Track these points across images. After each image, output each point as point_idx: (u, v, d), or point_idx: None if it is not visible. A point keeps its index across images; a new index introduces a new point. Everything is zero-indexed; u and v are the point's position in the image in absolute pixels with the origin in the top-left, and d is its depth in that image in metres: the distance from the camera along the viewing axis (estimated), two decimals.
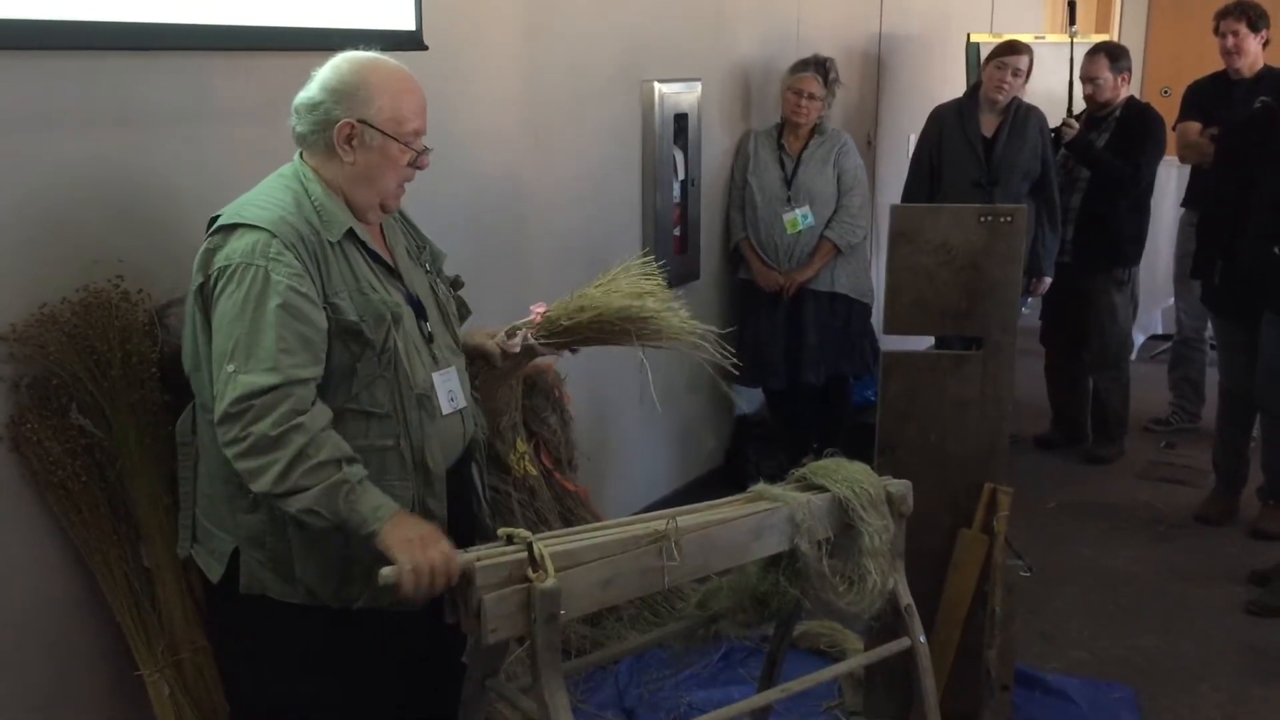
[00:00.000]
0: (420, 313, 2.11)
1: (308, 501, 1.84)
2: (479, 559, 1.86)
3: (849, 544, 2.24)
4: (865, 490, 2.24)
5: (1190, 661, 3.45)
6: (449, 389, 2.12)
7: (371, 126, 1.98)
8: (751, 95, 4.71)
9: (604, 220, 3.88)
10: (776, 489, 2.24)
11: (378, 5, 2.75)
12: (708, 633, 2.48)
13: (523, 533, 1.93)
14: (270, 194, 1.99)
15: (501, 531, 1.96)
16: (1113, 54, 4.89)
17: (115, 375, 2.21)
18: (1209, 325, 5.06)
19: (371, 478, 1.94)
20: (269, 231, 1.90)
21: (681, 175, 4.23)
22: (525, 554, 1.89)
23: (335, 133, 1.98)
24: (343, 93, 1.98)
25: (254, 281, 1.86)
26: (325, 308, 1.93)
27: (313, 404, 1.88)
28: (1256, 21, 4.77)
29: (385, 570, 1.82)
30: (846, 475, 2.27)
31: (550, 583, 1.86)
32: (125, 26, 2.20)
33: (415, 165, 2.06)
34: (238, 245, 1.90)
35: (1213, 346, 5.07)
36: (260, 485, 1.86)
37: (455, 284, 2.36)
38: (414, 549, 1.82)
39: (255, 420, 1.82)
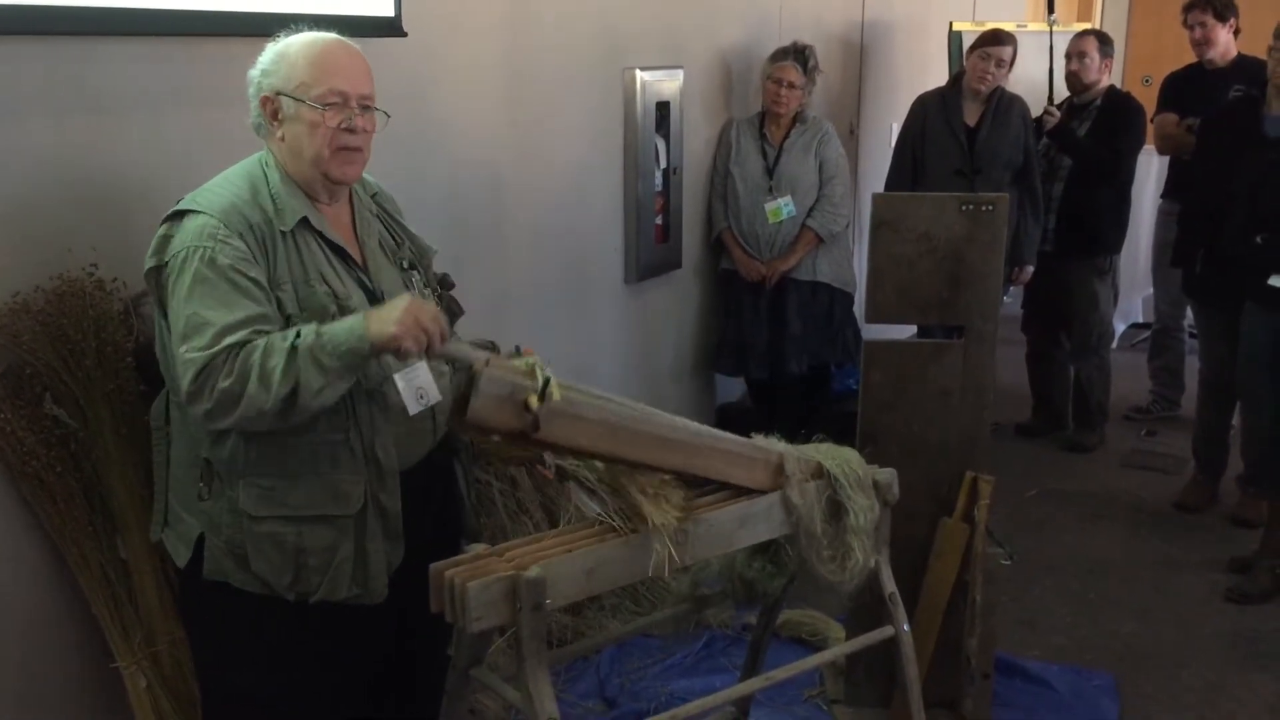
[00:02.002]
0: None
1: (309, 387, 1.82)
2: (489, 362, 1.82)
3: (835, 522, 2.26)
4: (854, 470, 2.26)
5: (1170, 648, 3.47)
6: (417, 385, 2.09)
7: (286, 95, 1.98)
8: (734, 83, 4.69)
9: (585, 209, 3.86)
10: (772, 439, 2.25)
11: None
12: (693, 619, 2.48)
13: (532, 359, 1.90)
14: (228, 180, 2.00)
15: (516, 348, 1.96)
16: (1102, 37, 4.92)
17: (90, 365, 2.18)
18: (1187, 314, 5.08)
19: (322, 471, 1.96)
20: (216, 218, 1.91)
21: (663, 164, 4.22)
22: (531, 375, 1.86)
23: (263, 111, 2.01)
24: (265, 70, 2.01)
25: (200, 262, 1.87)
26: (271, 295, 1.93)
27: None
28: (1223, 11, 4.79)
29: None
30: (836, 455, 2.29)
31: (535, 571, 1.85)
32: (100, 11, 2.17)
33: (348, 129, 2.00)
34: (188, 230, 1.91)
35: (1192, 335, 5.10)
36: (263, 421, 1.85)
37: (444, 283, 2.32)
38: (399, 321, 1.83)
39: (215, 384, 1.82)
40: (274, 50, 2.02)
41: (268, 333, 1.87)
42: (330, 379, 1.84)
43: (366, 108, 2.03)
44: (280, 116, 2.00)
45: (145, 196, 2.32)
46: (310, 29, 2.05)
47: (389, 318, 1.84)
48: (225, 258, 1.88)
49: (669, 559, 2.00)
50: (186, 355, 1.84)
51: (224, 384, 1.82)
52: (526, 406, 1.82)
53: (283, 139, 2.01)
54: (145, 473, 2.21)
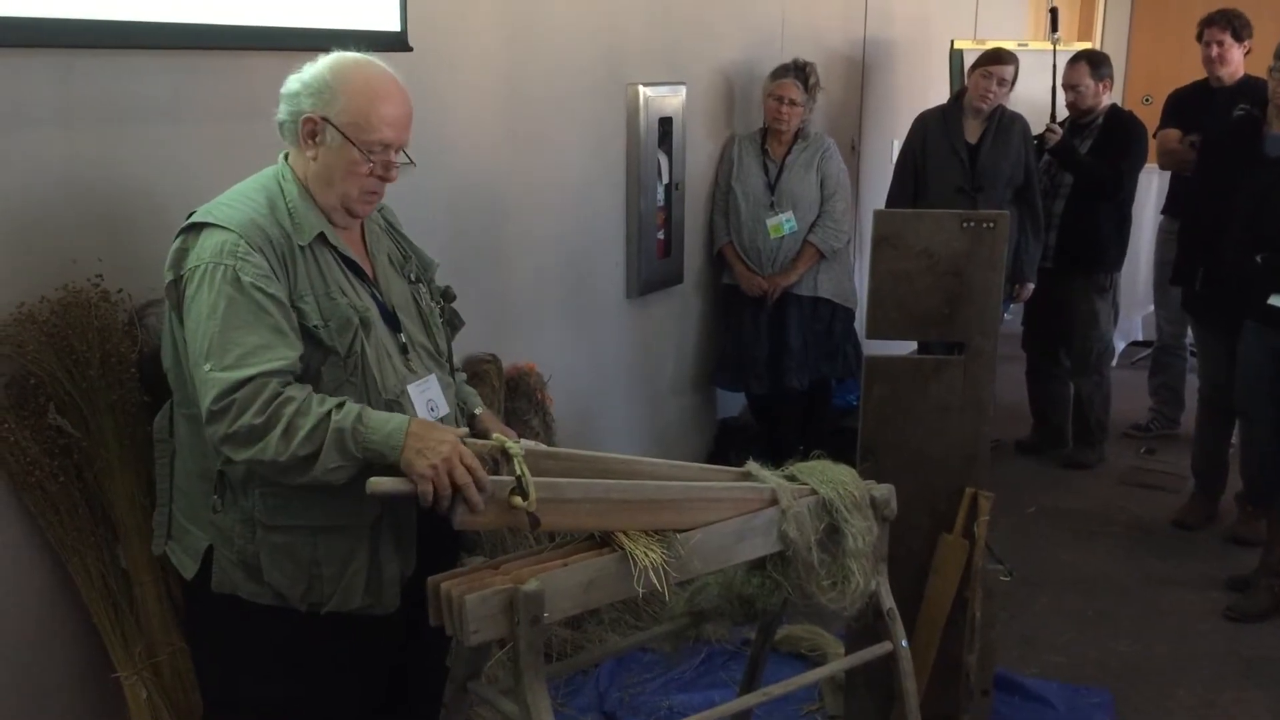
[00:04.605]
0: (393, 322, 2.10)
1: (325, 462, 1.84)
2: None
3: (833, 545, 2.25)
4: (849, 492, 2.25)
5: (1167, 666, 3.47)
6: (428, 398, 2.10)
7: (333, 125, 1.97)
8: (736, 99, 4.72)
9: (588, 223, 3.88)
10: (765, 470, 2.24)
11: (363, 6, 2.74)
12: (691, 634, 2.48)
13: (514, 446, 1.92)
14: (245, 194, 1.99)
15: (495, 438, 1.96)
16: (1094, 61, 4.92)
17: (94, 375, 2.19)
18: (1188, 332, 5.10)
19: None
20: (236, 233, 1.91)
21: (666, 179, 4.23)
22: (504, 454, 1.90)
23: (300, 125, 1.99)
24: (316, 87, 1.98)
25: (223, 280, 1.87)
26: (292, 311, 1.94)
27: (291, 384, 1.88)
28: (1240, 31, 4.80)
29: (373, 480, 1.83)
30: (831, 476, 2.27)
31: (533, 585, 1.86)
32: (107, 24, 2.18)
33: (381, 176, 2.02)
34: (206, 245, 1.91)
35: (1192, 353, 5.11)
36: (267, 468, 1.86)
37: (446, 295, 2.33)
38: (433, 464, 1.82)
39: (240, 413, 1.83)
40: (329, 68, 1.98)
41: (296, 376, 1.88)
42: (347, 463, 1.85)
43: (400, 150, 2.04)
44: (319, 140, 1.98)
45: (151, 208, 2.33)
46: (351, 48, 2.03)
47: (429, 452, 1.83)
48: (247, 275, 1.87)
49: (664, 579, 2.00)
50: (209, 374, 1.84)
51: (251, 420, 1.82)
52: (511, 503, 1.86)
53: (315, 159, 2.00)
54: (148, 484, 2.21)
